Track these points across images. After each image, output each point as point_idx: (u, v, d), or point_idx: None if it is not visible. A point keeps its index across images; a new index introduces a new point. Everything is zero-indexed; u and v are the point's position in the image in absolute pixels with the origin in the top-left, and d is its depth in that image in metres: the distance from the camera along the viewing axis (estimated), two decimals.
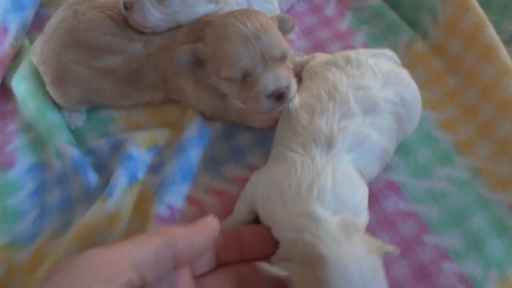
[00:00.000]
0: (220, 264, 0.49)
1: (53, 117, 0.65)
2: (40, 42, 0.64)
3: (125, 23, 0.62)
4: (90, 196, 0.59)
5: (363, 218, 0.50)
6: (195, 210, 0.59)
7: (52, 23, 0.64)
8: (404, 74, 0.59)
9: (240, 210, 0.56)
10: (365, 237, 0.46)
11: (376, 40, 0.73)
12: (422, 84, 0.65)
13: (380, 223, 0.57)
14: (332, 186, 0.48)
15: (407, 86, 0.58)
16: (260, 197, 0.53)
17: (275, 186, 0.51)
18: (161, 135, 0.64)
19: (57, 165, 0.63)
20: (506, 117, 0.61)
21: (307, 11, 0.79)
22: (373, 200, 0.57)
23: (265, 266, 0.45)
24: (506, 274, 0.55)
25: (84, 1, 0.64)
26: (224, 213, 0.58)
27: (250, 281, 0.49)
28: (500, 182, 0.60)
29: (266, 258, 0.48)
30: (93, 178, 0.60)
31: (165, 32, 0.62)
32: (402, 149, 0.62)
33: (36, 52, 0.65)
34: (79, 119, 0.67)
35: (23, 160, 0.64)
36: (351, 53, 0.60)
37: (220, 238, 0.49)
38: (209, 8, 0.62)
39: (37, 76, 0.67)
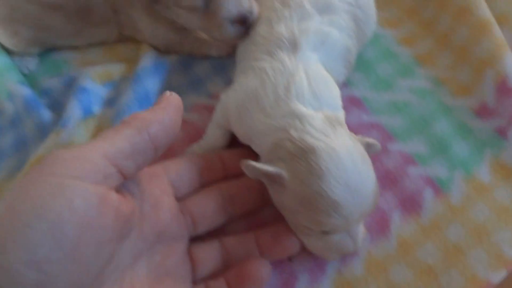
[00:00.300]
0: (203, 186, 0.48)
1: (1, 60, 0.62)
2: None
3: None
4: (45, 133, 0.57)
5: (341, 114, 0.49)
6: None
7: None
8: None
9: (213, 133, 0.54)
10: (352, 134, 0.46)
11: None
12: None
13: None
14: (309, 84, 0.47)
15: None
16: (235, 113, 0.51)
17: (250, 97, 0.49)
18: (116, 70, 0.62)
19: (9, 108, 0.60)
20: (463, 24, 0.61)
21: None
22: None
23: (252, 163, 0.43)
24: (471, 173, 0.54)
25: None
26: (186, 141, 0.56)
27: (235, 198, 0.47)
28: (462, 89, 0.60)
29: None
30: (46, 115, 0.58)
31: None
32: (362, 65, 0.61)
33: None
34: (31, 62, 0.65)
35: None
36: None
37: (202, 160, 0.48)
38: None
39: None
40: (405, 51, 0.63)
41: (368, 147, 0.46)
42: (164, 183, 0.43)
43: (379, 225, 0.51)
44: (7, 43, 0.63)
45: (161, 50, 0.62)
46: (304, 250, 0.49)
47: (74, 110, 0.56)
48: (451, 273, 0.49)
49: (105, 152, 0.33)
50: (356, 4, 0.55)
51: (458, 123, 0.57)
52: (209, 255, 0.44)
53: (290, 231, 0.46)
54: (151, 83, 0.60)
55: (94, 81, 0.60)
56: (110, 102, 0.60)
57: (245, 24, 0.53)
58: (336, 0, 0.53)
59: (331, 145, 0.42)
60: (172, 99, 0.40)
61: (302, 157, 0.42)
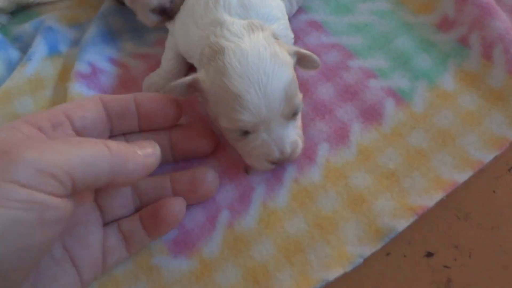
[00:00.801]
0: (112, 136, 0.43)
1: None
2: None
3: None
4: (12, 70, 0.58)
5: (276, 25, 0.48)
6: (119, 71, 0.57)
7: None
8: None
9: (167, 59, 0.55)
10: (273, 38, 0.45)
11: None
12: None
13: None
14: None
15: None
16: (179, 33, 0.51)
17: (188, 13, 0.50)
18: (83, 14, 0.63)
19: None
20: None
21: None
22: (295, 38, 0.56)
23: (171, 83, 0.44)
24: (435, 82, 0.52)
25: None
26: (149, 72, 0.57)
27: None
28: (422, 7, 0.59)
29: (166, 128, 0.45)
30: (14, 53, 0.59)
31: None
32: None
33: None
34: (2, 17, 0.66)
35: None
36: None
37: (114, 106, 0.41)
38: None
39: None
40: None
41: (302, 58, 0.45)
42: (68, 133, 0.38)
43: (338, 134, 0.50)
44: None
45: None
46: None
47: (39, 46, 0.58)
48: (413, 176, 0.46)
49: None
50: None
51: (420, 39, 0.56)
52: (119, 200, 0.42)
53: (206, 177, 0.45)
54: (114, 21, 0.61)
55: (60, 22, 0.61)
56: (77, 43, 0.61)
57: (164, 13, 0.53)
58: None
59: (240, 45, 0.42)
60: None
61: (214, 58, 0.43)
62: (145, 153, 0.38)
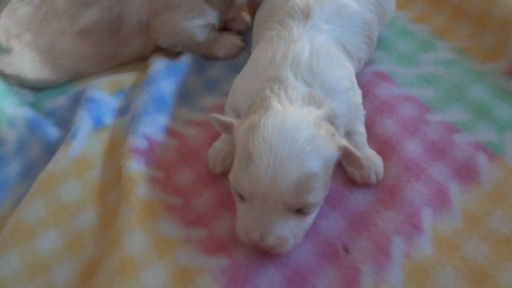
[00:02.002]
0: None
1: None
2: (11, 21, 0.58)
3: None
4: (53, 151, 0.51)
5: (339, 103, 0.43)
6: (177, 143, 0.51)
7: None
8: None
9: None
10: (325, 121, 0.39)
11: None
12: None
13: (378, 109, 0.50)
14: (309, 57, 0.43)
15: None
16: (238, 81, 0.47)
17: (252, 62, 0.46)
18: (125, 79, 0.56)
19: (11, 136, 0.53)
20: None
21: None
22: (365, 91, 0.51)
23: (214, 115, 0.42)
24: None
25: None
26: (209, 141, 0.51)
27: None
28: (488, 54, 0.56)
29: None
30: (52, 132, 0.51)
31: None
32: (381, 44, 0.57)
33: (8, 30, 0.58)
34: (28, 94, 0.59)
35: None
36: None
37: None
38: None
39: None
40: (421, 27, 0.60)
41: (348, 156, 0.39)
42: None
43: (438, 197, 0.44)
44: (51, 76, 0.58)
45: (179, 48, 0.59)
46: (360, 236, 0.43)
47: (83, 121, 0.50)
48: None
49: None
50: None
51: (494, 87, 0.53)
52: None
53: None
54: (166, 86, 0.54)
55: (103, 91, 0.54)
56: (122, 111, 0.54)
57: None
58: None
59: (287, 112, 0.38)
60: None
61: (257, 112, 0.39)
62: None
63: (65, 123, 0.54)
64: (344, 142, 0.39)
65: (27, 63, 0.56)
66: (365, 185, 0.46)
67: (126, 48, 0.58)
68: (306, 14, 0.46)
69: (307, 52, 0.43)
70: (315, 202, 0.38)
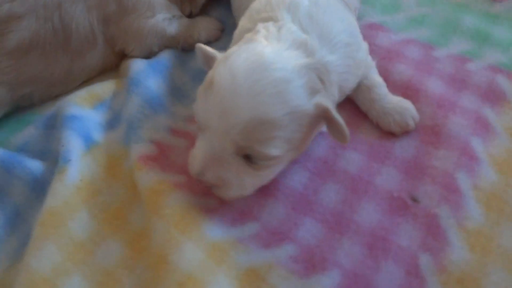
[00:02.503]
0: None
1: None
2: None
3: None
4: (43, 187, 0.41)
5: (336, 57, 0.38)
6: (186, 142, 0.44)
7: None
8: None
9: None
10: (309, 73, 0.35)
11: None
12: None
13: (386, 58, 0.48)
14: (309, 4, 0.39)
15: None
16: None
17: (246, 16, 0.42)
18: (103, 89, 0.48)
19: None
20: None
21: None
22: None
23: (201, 45, 0.39)
24: None
25: None
26: None
27: None
28: None
29: None
30: (36, 166, 0.42)
31: None
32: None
33: None
34: None
35: None
36: None
37: None
38: None
39: None
40: None
41: (331, 123, 0.35)
42: None
43: (479, 124, 0.43)
44: None
45: (156, 50, 0.52)
46: (423, 182, 0.39)
47: (71, 142, 0.42)
48: None
49: None
50: None
51: (482, 13, 0.53)
52: None
53: None
54: (155, 84, 0.47)
55: (82, 107, 0.46)
56: (110, 124, 0.46)
57: None
58: None
59: (265, 49, 0.34)
60: None
61: (240, 44, 0.37)
62: None
63: (42, 154, 0.45)
64: (326, 103, 0.34)
65: None
66: (405, 132, 0.43)
67: (82, 62, 0.49)
68: None
69: (306, 0, 0.39)
70: (268, 154, 0.33)
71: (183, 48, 0.53)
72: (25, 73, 0.47)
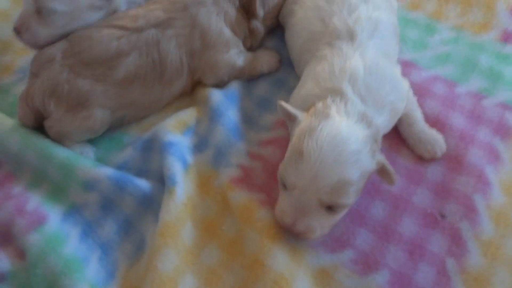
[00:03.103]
0: None
1: (61, 154, 0.55)
2: (38, 82, 0.55)
3: (119, 19, 0.57)
4: (150, 202, 0.52)
5: (386, 116, 0.50)
6: (261, 164, 0.55)
7: (44, 60, 0.55)
8: None
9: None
10: (372, 140, 0.46)
11: None
12: None
13: (418, 94, 0.59)
14: (364, 73, 0.49)
15: None
16: (295, 92, 0.54)
17: (309, 74, 0.53)
18: (188, 116, 0.58)
19: (92, 198, 0.54)
20: None
21: None
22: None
23: (282, 103, 0.48)
24: None
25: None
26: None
27: None
28: (481, 27, 0.67)
29: None
30: (144, 184, 0.53)
31: (181, 12, 0.57)
32: None
33: (36, 93, 0.55)
34: (88, 152, 0.58)
35: (53, 212, 0.53)
36: None
37: None
38: (97, 16, 0.58)
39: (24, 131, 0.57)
40: (418, 14, 0.69)
41: (383, 171, 0.46)
42: None
43: (491, 155, 0.54)
44: (75, 128, 0.56)
45: (225, 81, 0.61)
46: (448, 201, 0.51)
47: (174, 165, 0.52)
48: None
49: None
50: None
51: (495, 54, 0.64)
52: None
53: None
54: (233, 114, 0.58)
55: (174, 133, 0.56)
56: (198, 148, 0.56)
57: None
58: None
59: (342, 125, 0.45)
60: None
61: (317, 116, 0.46)
62: None
63: (143, 172, 0.55)
64: (383, 160, 0.46)
65: (66, 121, 0.56)
66: (433, 159, 0.55)
67: (170, 89, 0.59)
68: (351, 35, 0.53)
69: (361, 68, 0.50)
70: (346, 204, 0.45)
71: (248, 78, 0.63)
72: (126, 99, 0.57)
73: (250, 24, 0.62)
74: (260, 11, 0.61)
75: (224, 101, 0.58)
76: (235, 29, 0.60)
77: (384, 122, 0.50)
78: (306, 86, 0.52)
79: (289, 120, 0.48)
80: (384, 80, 0.50)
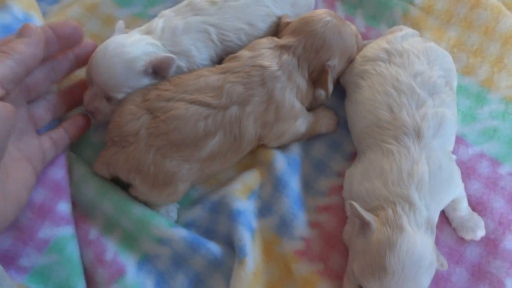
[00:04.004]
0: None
1: (139, 211, 0.59)
2: (123, 157, 0.57)
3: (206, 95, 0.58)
4: (220, 264, 0.58)
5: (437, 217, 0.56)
6: (318, 232, 0.60)
7: (127, 133, 0.57)
8: (433, 45, 0.65)
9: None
10: (436, 248, 0.54)
11: (375, 19, 0.77)
12: None
13: (464, 173, 0.63)
14: (429, 179, 0.54)
15: (442, 55, 0.64)
16: (357, 177, 0.58)
17: (376, 169, 0.56)
18: (252, 180, 0.62)
19: (164, 251, 0.59)
20: None
21: None
22: None
23: (356, 205, 0.52)
24: None
25: (141, 98, 0.58)
26: (341, 223, 0.61)
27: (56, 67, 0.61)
28: None
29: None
30: (215, 248, 0.58)
31: (259, 88, 0.59)
32: None
33: (120, 167, 0.57)
34: (173, 210, 0.62)
35: (129, 262, 0.58)
36: (384, 44, 0.64)
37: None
38: (146, 81, 0.60)
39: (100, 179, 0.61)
40: (470, 81, 0.71)
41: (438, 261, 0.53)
42: None
43: None
44: (160, 200, 0.60)
45: (287, 144, 0.65)
46: (482, 283, 0.58)
47: (244, 235, 0.57)
48: None
49: None
50: (447, 72, 0.62)
51: None
52: (42, 110, 0.59)
53: None
54: (296, 183, 0.63)
55: (241, 199, 0.60)
56: (262, 213, 0.61)
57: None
58: (437, 78, 0.60)
59: (417, 240, 0.50)
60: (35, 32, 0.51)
61: (391, 227, 0.51)
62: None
63: (210, 233, 0.61)
64: (442, 259, 0.53)
65: (151, 195, 0.59)
66: (472, 240, 0.61)
67: (242, 156, 0.62)
68: (417, 133, 0.56)
69: (427, 174, 0.54)
70: None
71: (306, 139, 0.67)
72: (207, 172, 0.60)
73: (315, 92, 0.64)
74: (331, 88, 0.63)
75: (288, 170, 0.62)
76: (304, 100, 0.63)
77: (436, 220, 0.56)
78: (373, 183, 0.55)
79: (360, 221, 0.53)
80: (446, 185, 0.56)
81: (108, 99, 0.60)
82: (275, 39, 0.64)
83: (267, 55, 0.61)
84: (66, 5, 0.85)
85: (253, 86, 0.59)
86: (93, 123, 0.64)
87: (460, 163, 0.64)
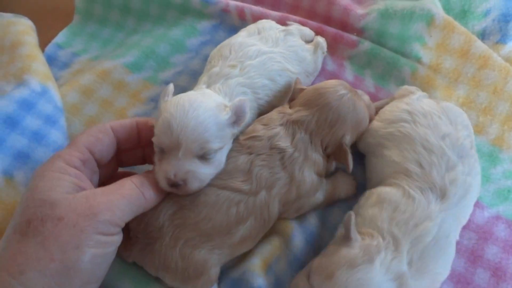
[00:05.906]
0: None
1: None
2: (148, 254, 0.56)
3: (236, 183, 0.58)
4: None
5: (418, 283, 0.54)
6: None
7: (151, 228, 0.56)
8: (448, 104, 0.65)
9: None
10: None
11: (383, 79, 0.78)
12: None
13: (482, 238, 0.64)
14: (429, 242, 0.54)
15: (459, 113, 0.65)
16: (373, 199, 0.58)
17: (390, 202, 0.57)
18: (268, 254, 0.62)
19: None
20: None
21: None
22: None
23: (353, 219, 0.53)
24: None
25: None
26: None
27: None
28: None
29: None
30: None
31: (282, 172, 0.60)
32: None
33: (148, 265, 0.57)
34: None
35: None
36: (404, 105, 0.65)
37: (122, 132, 0.59)
38: (229, 130, 0.59)
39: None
40: (482, 140, 0.72)
41: None
42: (93, 168, 0.57)
43: None
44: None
45: (306, 211, 0.64)
46: None
47: None
48: None
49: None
50: (469, 130, 0.63)
51: None
52: None
53: None
54: (305, 252, 0.63)
55: (260, 275, 0.60)
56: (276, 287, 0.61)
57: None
58: (463, 139, 0.60)
59: (376, 277, 0.49)
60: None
61: (365, 253, 0.51)
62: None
63: None
64: None
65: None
66: None
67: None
68: (443, 194, 0.56)
69: (431, 236, 0.54)
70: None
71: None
72: (237, 253, 0.60)
73: (330, 163, 0.65)
74: (351, 164, 0.62)
75: (305, 248, 0.63)
76: (321, 173, 0.64)
77: (418, 287, 0.54)
78: (382, 213, 0.56)
79: (345, 232, 0.53)
80: (440, 256, 0.55)
81: (202, 157, 0.55)
82: (286, 111, 0.65)
83: (282, 135, 0.61)
84: (76, 71, 0.87)
85: (276, 170, 0.60)
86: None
87: (477, 227, 0.65)
